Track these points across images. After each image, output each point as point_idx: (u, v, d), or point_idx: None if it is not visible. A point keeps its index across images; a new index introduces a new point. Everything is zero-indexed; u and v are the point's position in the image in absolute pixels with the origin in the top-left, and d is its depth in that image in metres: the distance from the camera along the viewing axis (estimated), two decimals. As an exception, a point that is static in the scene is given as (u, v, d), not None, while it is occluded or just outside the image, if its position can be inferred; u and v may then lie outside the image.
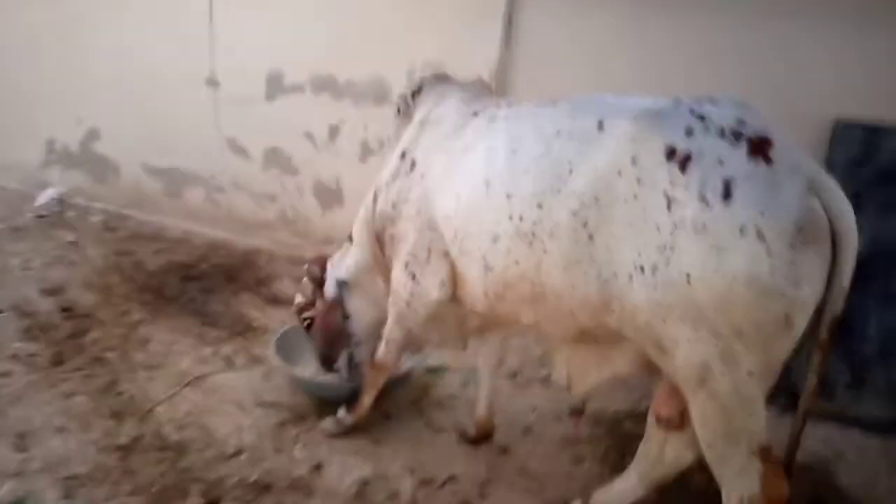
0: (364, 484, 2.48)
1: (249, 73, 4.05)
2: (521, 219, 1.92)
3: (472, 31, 3.45)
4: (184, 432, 2.65)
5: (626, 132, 1.75)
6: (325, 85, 3.88)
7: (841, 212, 1.59)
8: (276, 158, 4.17)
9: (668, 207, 1.65)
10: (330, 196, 4.12)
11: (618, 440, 2.81)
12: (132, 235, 4.39)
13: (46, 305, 3.45)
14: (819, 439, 2.94)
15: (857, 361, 3.00)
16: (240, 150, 4.24)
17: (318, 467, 2.54)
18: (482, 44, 3.44)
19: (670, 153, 1.66)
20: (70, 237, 4.24)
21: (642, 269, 1.70)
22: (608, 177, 1.75)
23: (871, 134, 2.97)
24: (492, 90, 3.01)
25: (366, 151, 3.93)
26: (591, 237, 1.80)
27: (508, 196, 1.95)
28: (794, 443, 1.85)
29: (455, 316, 2.51)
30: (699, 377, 1.71)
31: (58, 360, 3.01)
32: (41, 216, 4.47)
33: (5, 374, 2.87)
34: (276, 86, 4.03)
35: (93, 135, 4.64)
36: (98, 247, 4.16)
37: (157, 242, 4.32)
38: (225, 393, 2.93)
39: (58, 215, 4.53)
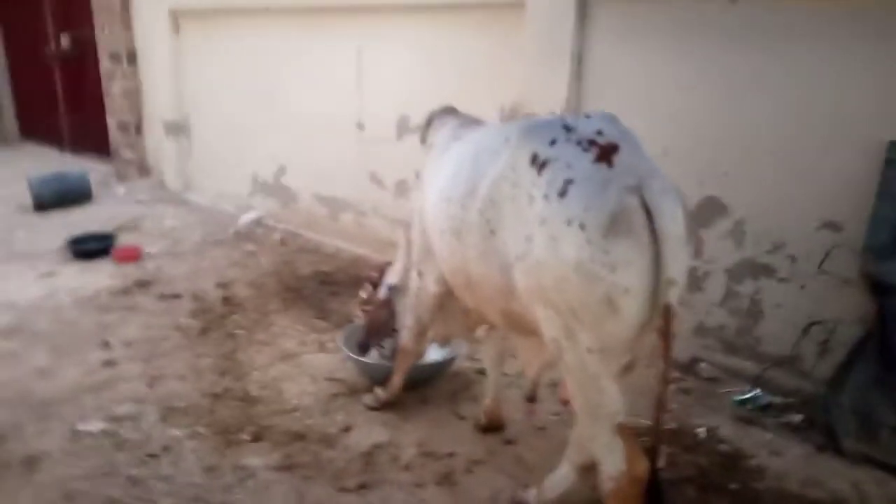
0: (376, 447, 2.95)
1: (385, 118, 4.84)
2: (452, 218, 2.32)
3: (545, 71, 3.84)
4: (263, 391, 3.37)
5: (510, 143, 2.09)
6: (438, 125, 4.52)
7: (659, 209, 1.77)
8: (403, 188, 4.89)
9: (530, 204, 1.95)
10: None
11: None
12: (298, 249, 5.40)
13: (214, 294, 4.50)
14: (849, 481, 2.73)
15: (906, 402, 2.73)
16: (378, 182, 5.04)
17: (347, 429, 3.07)
18: (555, 82, 3.80)
19: (534, 159, 1.97)
20: (251, 248, 5.39)
21: (518, 257, 2.01)
22: (498, 180, 2.10)
23: (929, 156, 2.75)
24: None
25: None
26: (492, 232, 2.14)
27: (448, 200, 2.36)
28: (658, 428, 1.94)
29: (459, 309, 2.91)
30: (555, 352, 1.97)
31: (204, 332, 3.97)
32: (238, 232, 5.72)
33: (165, 338, 3.89)
34: (403, 128, 4.77)
35: (282, 170, 5.83)
36: (270, 256, 5.22)
37: (314, 255, 5.26)
38: (307, 368, 3.61)
39: (250, 232, 5.75)
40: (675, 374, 3.52)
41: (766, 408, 3.14)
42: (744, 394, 3.21)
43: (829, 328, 2.99)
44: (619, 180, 1.80)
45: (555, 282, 1.86)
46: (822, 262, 2.97)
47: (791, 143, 3.14)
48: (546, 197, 1.88)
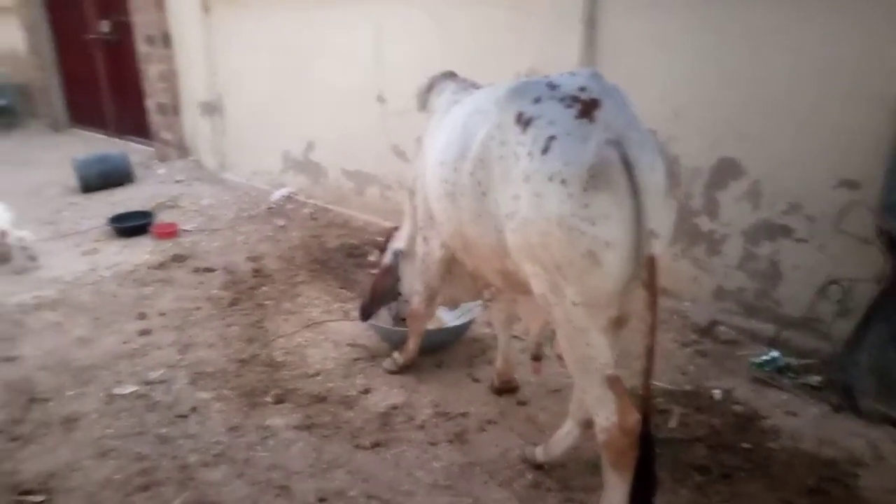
0: (393, 408, 3.05)
1: (404, 90, 4.86)
2: (446, 181, 2.36)
3: (557, 37, 3.82)
4: (287, 357, 3.51)
5: (498, 103, 2.11)
6: (458, 95, 4.54)
7: (637, 161, 1.77)
8: (426, 159, 4.94)
9: (516, 162, 1.98)
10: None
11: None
12: (328, 224, 5.52)
13: (245, 267, 4.66)
14: (865, 439, 2.71)
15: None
16: (400, 154, 5.10)
17: (366, 391, 3.18)
18: (567, 47, 3.78)
19: (519, 117, 1.99)
20: (282, 223, 5.53)
21: (507, 216, 2.05)
22: (487, 141, 2.12)
23: (948, 109, 2.66)
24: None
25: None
26: (484, 194, 2.16)
27: (441, 164, 2.39)
28: (647, 382, 1.96)
29: (466, 272, 2.96)
30: (545, 307, 2.00)
31: (234, 303, 4.13)
32: (270, 208, 5.88)
33: (197, 308, 4.06)
34: (423, 99, 4.79)
35: (310, 146, 5.94)
36: (299, 231, 5.36)
37: (342, 229, 5.38)
38: (331, 335, 3.73)
39: (281, 208, 5.90)
40: (694, 337, 3.53)
41: (783, 369, 3.12)
42: (761, 356, 3.18)
43: (846, 288, 2.94)
44: (599, 135, 1.82)
45: (540, 237, 1.90)
46: (839, 221, 2.91)
47: (806, 101, 3.08)
48: (530, 154, 1.91)
